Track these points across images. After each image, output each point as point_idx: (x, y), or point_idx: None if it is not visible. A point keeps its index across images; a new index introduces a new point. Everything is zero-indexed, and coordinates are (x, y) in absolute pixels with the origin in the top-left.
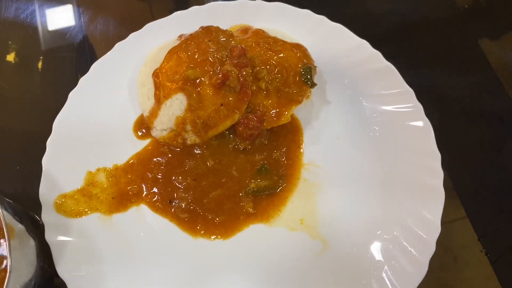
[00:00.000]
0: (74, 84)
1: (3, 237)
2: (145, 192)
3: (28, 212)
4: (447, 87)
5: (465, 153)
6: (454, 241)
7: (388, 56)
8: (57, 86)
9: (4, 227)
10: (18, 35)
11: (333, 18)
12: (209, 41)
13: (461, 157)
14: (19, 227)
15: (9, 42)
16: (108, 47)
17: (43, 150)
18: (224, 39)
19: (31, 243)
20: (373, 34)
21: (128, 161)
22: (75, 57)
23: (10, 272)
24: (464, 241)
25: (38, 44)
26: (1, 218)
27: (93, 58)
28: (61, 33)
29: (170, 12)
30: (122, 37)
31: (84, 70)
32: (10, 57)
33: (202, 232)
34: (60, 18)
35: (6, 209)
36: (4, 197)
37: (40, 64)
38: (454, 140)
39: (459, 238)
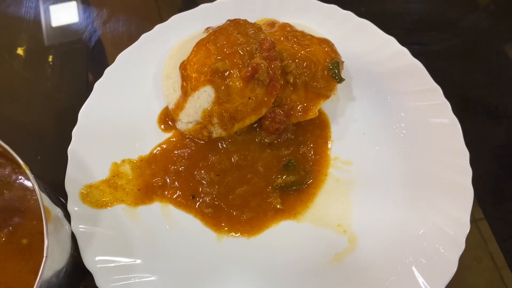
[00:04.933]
0: (84, 77)
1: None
2: (168, 186)
3: (61, 200)
4: (470, 86)
5: (487, 153)
6: (475, 242)
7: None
8: (71, 78)
9: (42, 210)
10: (31, 29)
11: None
12: (238, 33)
13: (483, 157)
14: (56, 211)
15: (21, 35)
16: (117, 42)
17: (59, 140)
18: (253, 32)
19: (67, 228)
20: (395, 33)
21: (151, 152)
22: (86, 50)
23: (46, 257)
24: (483, 244)
25: (50, 38)
26: (40, 201)
27: (102, 51)
28: (71, 28)
29: (178, 10)
30: (131, 34)
31: (95, 63)
32: (20, 51)
33: (226, 229)
34: (72, 14)
35: (47, 194)
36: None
37: (51, 58)
38: (476, 139)
39: (479, 240)
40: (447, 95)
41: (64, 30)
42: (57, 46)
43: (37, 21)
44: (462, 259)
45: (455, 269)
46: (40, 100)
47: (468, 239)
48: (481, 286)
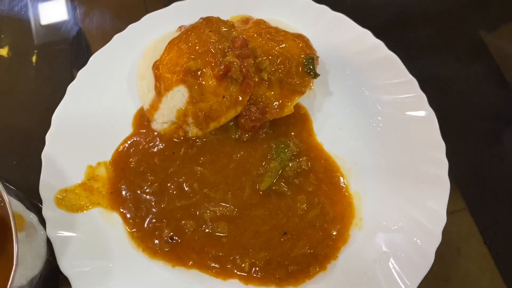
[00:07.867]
0: (69, 77)
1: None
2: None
3: (37, 204)
4: (448, 78)
5: (466, 144)
6: (456, 233)
7: (388, 47)
8: (52, 80)
9: (10, 216)
10: (12, 29)
11: (332, 8)
12: (210, 31)
13: (462, 148)
14: (31, 217)
15: (2, 36)
16: (103, 40)
17: (39, 144)
18: (226, 29)
19: (42, 234)
20: (372, 25)
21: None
22: (70, 50)
23: (16, 265)
24: (465, 233)
25: (33, 37)
26: (8, 207)
27: (88, 51)
28: (55, 27)
29: (164, 4)
30: (118, 29)
31: (79, 63)
32: (4, 51)
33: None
34: (55, 12)
35: (20, 200)
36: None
37: (34, 58)
38: (455, 131)
39: (460, 230)
40: (424, 87)
41: (48, 29)
42: (40, 46)
43: (19, 21)
44: (442, 250)
45: (432, 262)
46: (18, 103)
47: (449, 230)
48: (460, 276)
